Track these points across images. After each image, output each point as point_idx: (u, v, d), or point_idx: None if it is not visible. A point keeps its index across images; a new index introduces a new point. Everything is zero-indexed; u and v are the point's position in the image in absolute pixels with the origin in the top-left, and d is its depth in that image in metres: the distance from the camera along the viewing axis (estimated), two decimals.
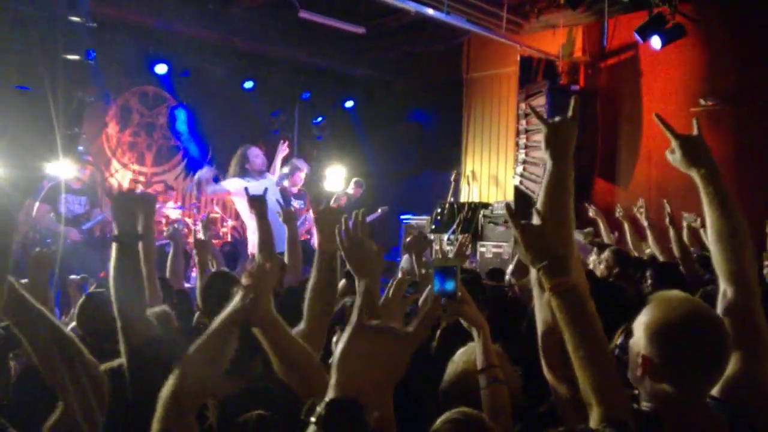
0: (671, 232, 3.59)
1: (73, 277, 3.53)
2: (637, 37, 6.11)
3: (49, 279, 2.56)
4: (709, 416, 1.19)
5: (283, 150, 5.92)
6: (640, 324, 1.22)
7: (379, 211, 6.70)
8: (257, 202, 2.69)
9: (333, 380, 0.88)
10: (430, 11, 6.03)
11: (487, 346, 1.54)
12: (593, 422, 1.14)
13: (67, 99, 4.12)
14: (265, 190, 3.15)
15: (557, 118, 1.47)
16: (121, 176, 8.02)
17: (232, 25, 7.28)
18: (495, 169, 7.93)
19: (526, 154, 6.89)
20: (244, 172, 5.24)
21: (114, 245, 1.62)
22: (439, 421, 1.27)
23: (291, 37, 7.62)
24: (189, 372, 1.21)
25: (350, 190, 7.28)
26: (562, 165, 1.42)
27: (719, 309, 1.34)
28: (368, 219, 6.23)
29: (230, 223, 8.43)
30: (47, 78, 3.80)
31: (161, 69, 7.48)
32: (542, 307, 1.41)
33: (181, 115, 8.40)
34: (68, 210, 5.76)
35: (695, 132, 1.50)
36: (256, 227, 2.63)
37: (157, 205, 7.36)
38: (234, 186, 5.17)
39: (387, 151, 8.63)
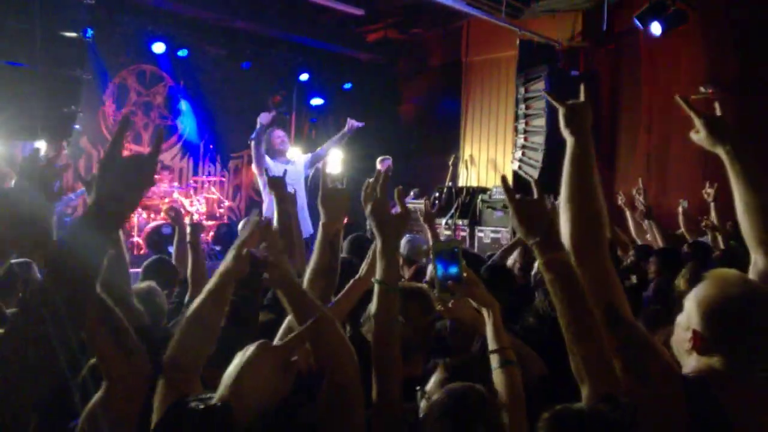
0: (653, 224, 3.66)
1: None
2: (637, 23, 6.09)
3: None
4: (760, 388, 1.19)
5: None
6: (693, 300, 1.23)
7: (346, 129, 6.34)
8: (276, 184, 2.63)
9: (221, 388, 0.97)
10: None
11: (498, 326, 1.53)
12: (585, 398, 1.15)
13: (63, 76, 4.10)
14: (284, 172, 3.15)
15: (573, 101, 1.48)
16: None
17: (231, 5, 7.21)
18: (493, 154, 7.93)
19: (525, 139, 6.89)
20: (272, 154, 5.28)
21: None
22: (439, 395, 1.27)
23: (290, 18, 7.55)
24: (186, 335, 1.25)
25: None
26: (584, 138, 1.42)
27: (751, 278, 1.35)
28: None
29: (227, 203, 8.44)
30: (41, 55, 3.77)
31: (159, 48, 7.42)
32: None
33: (184, 106, 8.37)
34: (66, 204, 5.91)
35: (718, 113, 1.52)
36: (275, 209, 2.58)
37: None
38: (267, 165, 5.22)
39: (385, 134, 8.60)
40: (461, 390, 1.24)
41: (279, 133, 5.48)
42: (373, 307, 1.38)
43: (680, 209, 4.49)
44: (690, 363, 1.22)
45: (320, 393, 1.23)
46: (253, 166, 5.37)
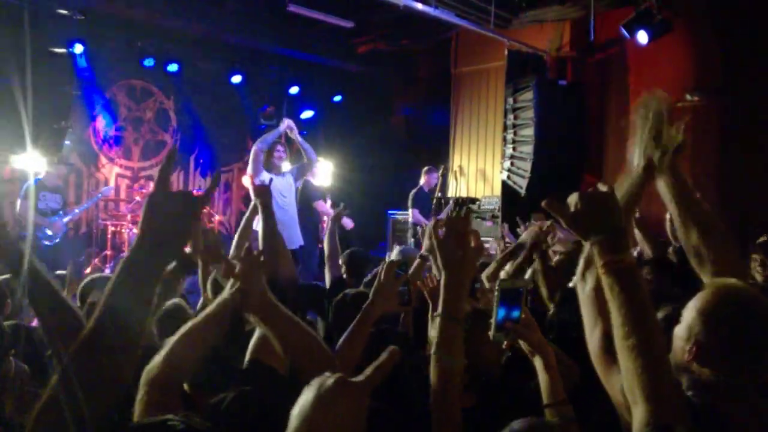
0: (641, 233, 3.67)
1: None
2: (624, 32, 6.17)
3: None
4: (760, 404, 1.14)
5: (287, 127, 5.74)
6: (693, 309, 1.18)
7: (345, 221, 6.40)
8: (262, 192, 2.60)
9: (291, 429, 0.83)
10: (419, 5, 6.04)
11: (555, 377, 1.41)
12: (636, 423, 1.02)
13: (53, 93, 4.10)
14: (270, 180, 3.16)
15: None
16: (107, 171, 7.96)
17: (221, 19, 7.24)
18: (482, 164, 7.97)
19: (514, 149, 6.93)
20: (267, 167, 5.38)
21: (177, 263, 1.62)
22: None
23: (280, 31, 7.59)
24: (173, 353, 1.25)
25: (422, 181, 7.26)
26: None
27: None
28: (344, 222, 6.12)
29: (217, 217, 8.41)
30: (30, 71, 3.78)
31: (149, 63, 7.43)
32: (584, 303, 1.32)
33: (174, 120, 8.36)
34: (46, 206, 5.92)
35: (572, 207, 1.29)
36: (261, 219, 2.56)
37: (139, 198, 7.34)
38: (261, 176, 5.29)
39: (375, 145, 8.64)
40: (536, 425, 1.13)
41: (279, 148, 5.56)
42: (434, 342, 1.30)
43: (667, 216, 4.52)
44: (692, 375, 1.16)
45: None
46: (249, 173, 5.38)
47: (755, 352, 1.14)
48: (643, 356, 1.03)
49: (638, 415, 1.02)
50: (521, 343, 1.46)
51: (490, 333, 1.42)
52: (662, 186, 1.46)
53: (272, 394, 1.25)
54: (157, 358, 1.23)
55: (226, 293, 1.32)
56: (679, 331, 1.22)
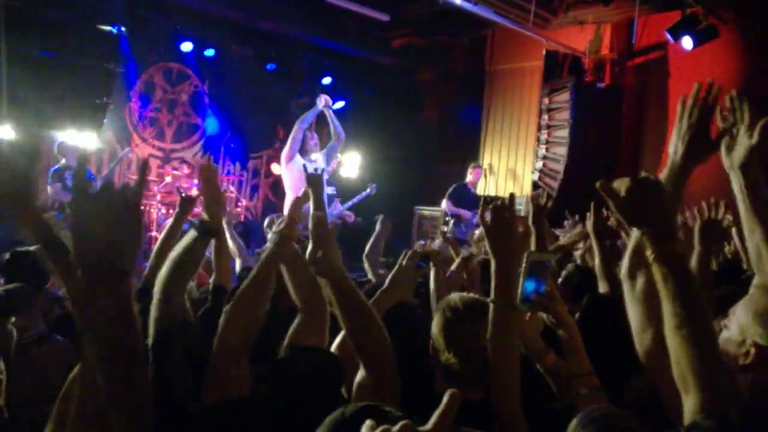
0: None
1: None
2: (669, 37, 6.02)
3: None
4: None
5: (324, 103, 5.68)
6: (748, 312, 1.16)
7: (368, 189, 6.54)
8: (316, 182, 2.63)
9: None
10: (458, 1, 5.98)
11: (579, 348, 1.43)
12: (688, 412, 1.02)
13: (97, 69, 4.17)
14: (322, 170, 3.23)
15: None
16: (140, 150, 8.10)
17: (258, 7, 7.28)
18: (513, 163, 7.89)
19: (547, 150, 6.84)
20: (301, 151, 5.44)
21: (194, 231, 1.63)
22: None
23: (315, 21, 7.60)
24: (236, 314, 1.28)
25: (469, 177, 7.21)
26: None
27: None
28: (357, 199, 6.18)
29: (244, 202, 8.49)
30: (77, 46, 3.85)
31: (187, 47, 7.52)
32: (633, 302, 1.31)
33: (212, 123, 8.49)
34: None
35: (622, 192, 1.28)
36: (312, 206, 2.54)
37: (170, 179, 7.43)
38: (296, 159, 5.34)
39: (404, 139, 8.60)
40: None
41: (313, 134, 5.60)
42: (490, 328, 1.32)
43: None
44: (744, 379, 1.15)
45: (354, 383, 1.23)
46: (285, 152, 5.40)
47: None
48: (697, 345, 1.03)
49: (690, 403, 1.02)
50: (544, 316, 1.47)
51: (516, 303, 1.45)
52: (734, 182, 1.43)
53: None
54: (222, 323, 1.25)
55: (271, 246, 1.32)
56: (730, 334, 1.20)
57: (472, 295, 1.54)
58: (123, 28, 4.01)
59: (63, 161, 5.80)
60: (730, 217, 2.41)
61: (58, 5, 3.57)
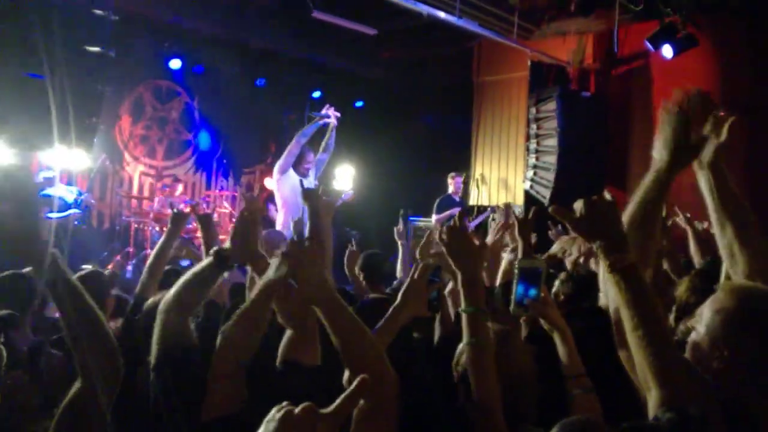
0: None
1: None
2: (649, 46, 6.14)
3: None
4: None
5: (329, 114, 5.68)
6: (715, 315, 1.19)
7: (344, 195, 6.57)
8: (311, 195, 2.61)
9: None
10: (442, 14, 6.08)
11: (572, 351, 1.52)
12: (651, 408, 1.10)
13: (85, 89, 4.21)
14: (317, 184, 3.22)
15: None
16: (132, 169, 8.11)
17: (246, 23, 7.36)
18: (505, 173, 7.96)
19: (537, 159, 6.91)
20: (296, 168, 5.42)
21: (213, 258, 1.60)
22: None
23: (303, 36, 7.68)
24: (233, 336, 1.33)
25: (450, 188, 7.29)
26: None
27: None
28: (338, 202, 6.16)
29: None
30: (64, 67, 3.88)
31: (175, 64, 7.57)
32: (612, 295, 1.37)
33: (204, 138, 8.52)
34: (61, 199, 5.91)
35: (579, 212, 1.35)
36: (307, 221, 2.55)
37: (164, 197, 7.44)
38: (289, 173, 5.32)
39: (396, 152, 8.66)
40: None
41: (310, 158, 5.61)
42: (465, 336, 1.40)
43: (690, 231, 4.43)
44: (721, 380, 1.17)
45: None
46: (279, 163, 5.38)
47: None
48: (653, 345, 1.10)
49: (653, 399, 1.09)
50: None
51: (511, 308, 1.54)
52: (702, 181, 1.48)
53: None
54: (219, 350, 1.28)
55: (271, 274, 1.35)
56: (699, 337, 1.22)
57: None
58: (112, 49, 4.05)
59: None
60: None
61: (45, 28, 3.61)
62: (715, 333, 1.19)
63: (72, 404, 1.34)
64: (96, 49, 3.81)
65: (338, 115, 5.69)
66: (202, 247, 2.62)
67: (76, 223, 5.95)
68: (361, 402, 1.28)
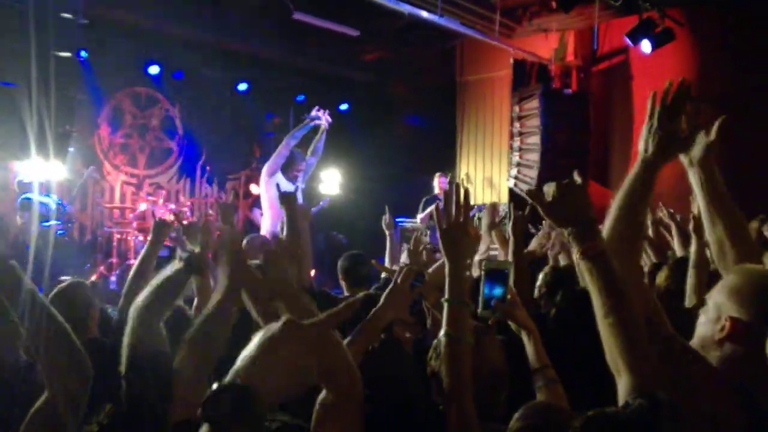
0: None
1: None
2: (628, 41, 6.18)
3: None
4: None
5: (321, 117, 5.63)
6: (723, 291, 1.22)
7: (321, 202, 6.60)
8: (289, 199, 2.61)
9: (235, 368, 0.85)
10: (424, 14, 6.08)
11: (538, 347, 1.60)
12: (621, 392, 1.12)
13: (57, 96, 4.12)
14: (296, 189, 3.17)
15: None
16: (113, 178, 7.98)
17: (226, 26, 7.28)
18: (489, 172, 7.96)
19: (520, 157, 6.93)
20: (286, 172, 5.31)
21: (181, 262, 1.61)
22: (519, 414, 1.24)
23: (285, 39, 7.63)
24: (194, 344, 1.31)
25: (437, 189, 7.23)
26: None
27: None
28: (312, 210, 6.12)
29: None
30: (36, 74, 3.79)
31: (154, 70, 7.47)
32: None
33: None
34: (44, 208, 5.79)
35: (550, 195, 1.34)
36: (285, 225, 2.52)
37: (148, 205, 7.34)
38: (276, 175, 5.23)
39: (381, 154, 8.64)
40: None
41: (302, 166, 5.47)
42: (443, 327, 1.39)
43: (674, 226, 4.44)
44: (724, 353, 1.19)
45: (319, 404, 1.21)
46: (267, 165, 5.31)
47: None
48: (623, 331, 1.12)
49: (623, 385, 1.12)
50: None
51: (478, 310, 1.56)
52: (692, 178, 1.50)
53: None
54: (180, 358, 1.26)
55: (224, 282, 1.32)
56: (706, 314, 1.25)
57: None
58: (84, 54, 3.97)
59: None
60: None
61: (13, 34, 3.52)
62: (721, 306, 1.21)
63: (38, 415, 1.30)
64: (66, 54, 3.73)
65: (329, 119, 5.64)
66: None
67: (58, 233, 5.83)
68: (325, 396, 1.28)
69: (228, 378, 0.83)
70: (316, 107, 5.82)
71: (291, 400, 0.88)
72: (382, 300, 1.81)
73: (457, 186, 1.40)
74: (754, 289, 1.20)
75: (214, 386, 0.82)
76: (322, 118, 5.61)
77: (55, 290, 2.33)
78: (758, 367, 1.15)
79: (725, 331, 1.19)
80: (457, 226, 1.39)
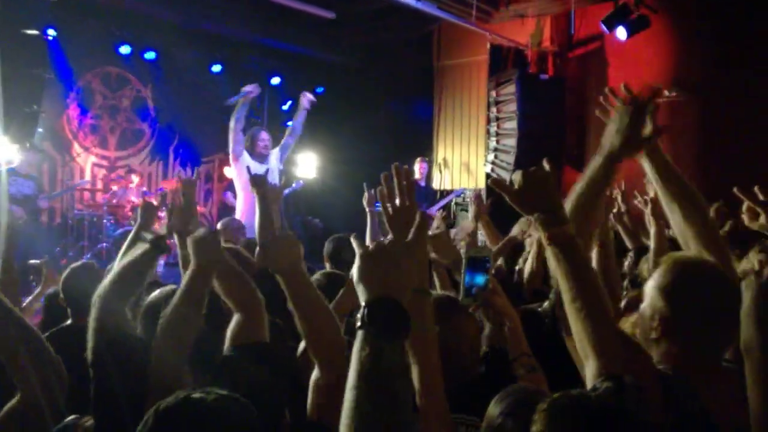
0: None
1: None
2: (603, 28, 6.24)
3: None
4: (726, 376, 1.21)
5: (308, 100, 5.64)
6: (653, 287, 1.23)
7: (294, 184, 6.61)
8: (259, 182, 2.58)
9: (360, 293, 0.95)
10: None
11: (518, 336, 1.58)
12: (589, 375, 1.13)
13: (25, 75, 3.96)
14: (267, 171, 3.14)
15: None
16: (83, 160, 7.77)
17: (200, 6, 7.10)
18: (467, 157, 8.00)
19: (497, 142, 6.97)
20: (252, 153, 5.29)
21: (146, 245, 1.63)
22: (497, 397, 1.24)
23: (260, 20, 7.48)
24: (169, 329, 1.33)
25: (417, 174, 7.20)
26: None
27: None
28: (285, 192, 6.12)
29: (198, 208, 8.27)
30: (1, 53, 3.65)
31: (125, 50, 7.26)
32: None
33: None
34: (18, 190, 5.67)
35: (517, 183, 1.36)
36: (257, 207, 2.49)
37: (120, 189, 7.18)
38: (243, 158, 5.20)
39: (358, 138, 8.59)
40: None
41: (264, 136, 5.48)
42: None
43: (647, 208, 4.55)
44: (661, 350, 1.21)
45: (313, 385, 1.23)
46: (230, 152, 5.30)
47: (717, 323, 1.19)
48: (590, 316, 1.13)
49: (590, 368, 1.13)
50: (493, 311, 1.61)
51: (460, 298, 1.58)
52: (646, 167, 1.50)
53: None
54: (156, 345, 1.27)
55: (193, 262, 1.33)
56: (643, 308, 1.27)
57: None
58: (52, 32, 3.81)
59: None
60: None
61: None
62: (653, 304, 1.23)
63: (8, 418, 1.29)
64: (34, 32, 3.58)
65: (312, 99, 5.59)
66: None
67: (22, 218, 5.67)
68: (318, 376, 1.30)
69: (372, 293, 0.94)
70: (302, 93, 5.82)
71: None
72: (349, 280, 1.85)
73: (397, 168, 1.32)
74: (682, 286, 1.21)
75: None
76: (305, 98, 5.59)
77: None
78: (694, 363, 1.17)
79: (659, 332, 1.20)
80: (404, 210, 1.34)
